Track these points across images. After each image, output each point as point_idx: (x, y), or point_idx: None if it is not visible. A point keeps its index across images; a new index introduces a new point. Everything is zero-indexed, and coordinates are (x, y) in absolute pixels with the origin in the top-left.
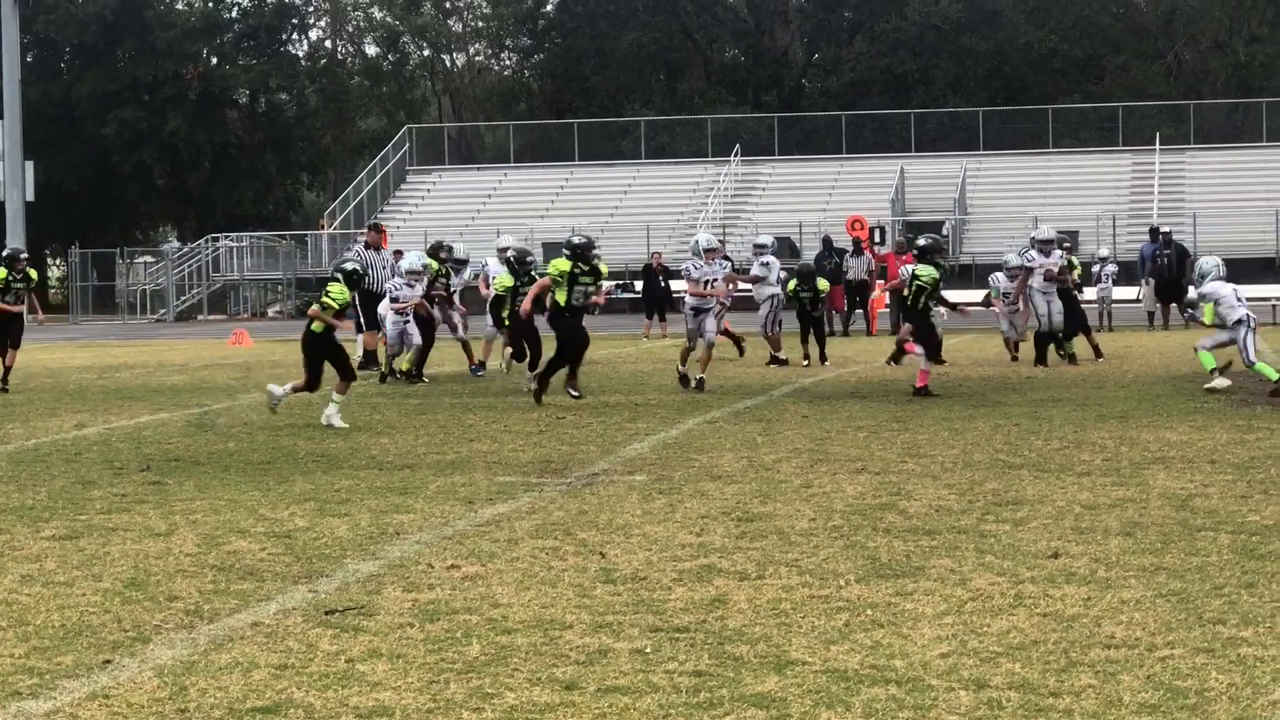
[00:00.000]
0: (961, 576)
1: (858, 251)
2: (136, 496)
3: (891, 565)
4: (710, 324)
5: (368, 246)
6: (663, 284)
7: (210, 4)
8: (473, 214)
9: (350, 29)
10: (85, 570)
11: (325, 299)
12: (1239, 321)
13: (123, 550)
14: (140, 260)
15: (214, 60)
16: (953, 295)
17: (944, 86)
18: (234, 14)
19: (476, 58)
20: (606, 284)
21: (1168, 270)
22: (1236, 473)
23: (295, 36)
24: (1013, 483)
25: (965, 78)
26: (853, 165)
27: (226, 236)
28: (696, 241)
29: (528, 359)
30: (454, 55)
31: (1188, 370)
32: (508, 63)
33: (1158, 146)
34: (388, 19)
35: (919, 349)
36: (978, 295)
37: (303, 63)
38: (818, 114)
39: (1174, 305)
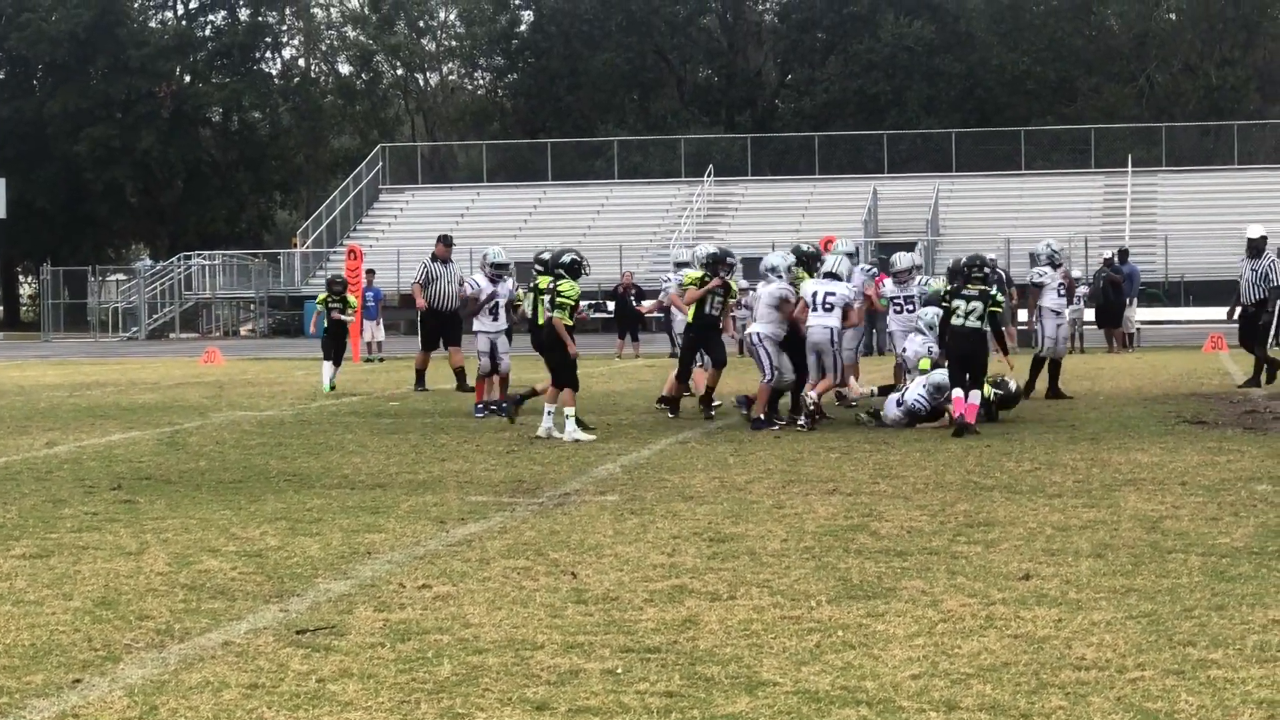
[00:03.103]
0: (933, 598)
1: None
2: (108, 515)
3: (863, 586)
4: None
5: (435, 259)
6: (634, 304)
7: (184, 22)
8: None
9: (324, 48)
10: (56, 589)
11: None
12: None
13: (93, 569)
14: (112, 278)
15: (187, 78)
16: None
17: (917, 108)
18: (207, 32)
19: (450, 77)
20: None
21: (1102, 295)
22: (1207, 495)
23: (269, 55)
24: (984, 504)
25: (938, 99)
26: (826, 186)
27: (199, 255)
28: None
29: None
30: (427, 74)
31: (1159, 392)
32: (481, 82)
33: (1130, 169)
34: (361, 38)
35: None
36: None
37: (276, 81)
38: (791, 135)
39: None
